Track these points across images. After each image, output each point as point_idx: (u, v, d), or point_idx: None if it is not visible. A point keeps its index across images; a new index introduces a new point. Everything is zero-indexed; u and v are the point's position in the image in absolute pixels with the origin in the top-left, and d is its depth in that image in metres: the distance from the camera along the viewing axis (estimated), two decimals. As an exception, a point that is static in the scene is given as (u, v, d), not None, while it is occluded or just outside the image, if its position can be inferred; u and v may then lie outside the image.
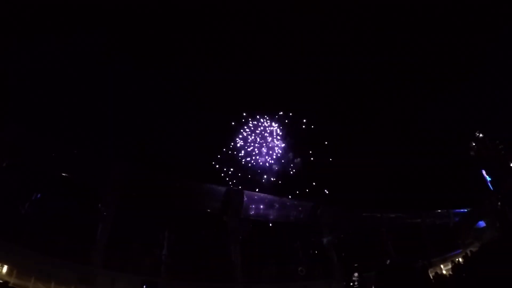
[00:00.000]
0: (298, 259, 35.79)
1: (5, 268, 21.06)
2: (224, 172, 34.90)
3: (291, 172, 38.09)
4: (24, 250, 22.15)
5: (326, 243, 37.26)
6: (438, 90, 35.67)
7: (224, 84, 33.10)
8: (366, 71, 37.49)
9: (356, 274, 34.51)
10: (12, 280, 20.41)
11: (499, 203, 35.09)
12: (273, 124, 37.37)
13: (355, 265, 35.15)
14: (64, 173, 27.81)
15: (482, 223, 37.90)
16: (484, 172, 39.97)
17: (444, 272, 34.84)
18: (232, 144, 36.27)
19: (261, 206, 35.91)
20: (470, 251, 30.07)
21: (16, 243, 22.15)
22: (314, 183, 38.49)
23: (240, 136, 36.47)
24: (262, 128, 37.14)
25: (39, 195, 26.47)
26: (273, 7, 29.22)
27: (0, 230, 21.82)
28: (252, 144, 36.85)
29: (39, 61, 30.57)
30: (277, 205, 36.49)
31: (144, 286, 25.94)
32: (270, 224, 36.70)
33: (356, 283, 32.62)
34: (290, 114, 36.70)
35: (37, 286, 21.24)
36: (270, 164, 37.73)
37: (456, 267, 27.94)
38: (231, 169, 35.29)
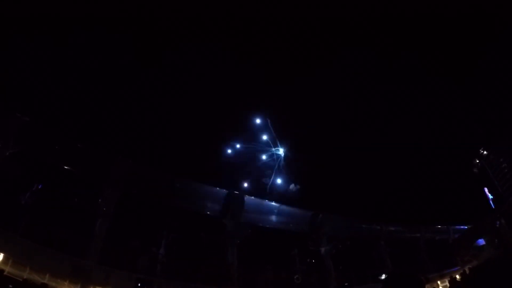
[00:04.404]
0: (295, 266, 35.55)
1: (1, 256, 21.08)
2: (226, 175, 34.88)
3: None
4: (22, 240, 22.18)
5: (324, 253, 36.98)
6: (443, 105, 35.65)
7: (226, 85, 33.24)
8: (367, 81, 37.57)
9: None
10: (7, 269, 20.38)
11: (499, 222, 34.84)
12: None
13: (346, 284, 35.05)
14: (66, 166, 27.88)
15: (481, 241, 37.59)
16: (486, 190, 39.80)
17: (441, 288, 34.64)
18: (235, 147, 36.31)
19: (261, 212, 35.75)
20: (469, 268, 29.87)
21: (14, 232, 22.19)
22: (315, 192, 38.46)
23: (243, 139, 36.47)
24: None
25: (40, 186, 26.59)
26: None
27: (-1, 219, 21.93)
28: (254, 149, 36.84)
29: (47, 55, 30.85)
30: (276, 212, 36.33)
31: (139, 285, 25.85)
32: (269, 230, 36.52)
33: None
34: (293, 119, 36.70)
35: (32, 277, 21.19)
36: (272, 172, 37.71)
37: (453, 284, 27.71)
38: (233, 173, 35.27)
